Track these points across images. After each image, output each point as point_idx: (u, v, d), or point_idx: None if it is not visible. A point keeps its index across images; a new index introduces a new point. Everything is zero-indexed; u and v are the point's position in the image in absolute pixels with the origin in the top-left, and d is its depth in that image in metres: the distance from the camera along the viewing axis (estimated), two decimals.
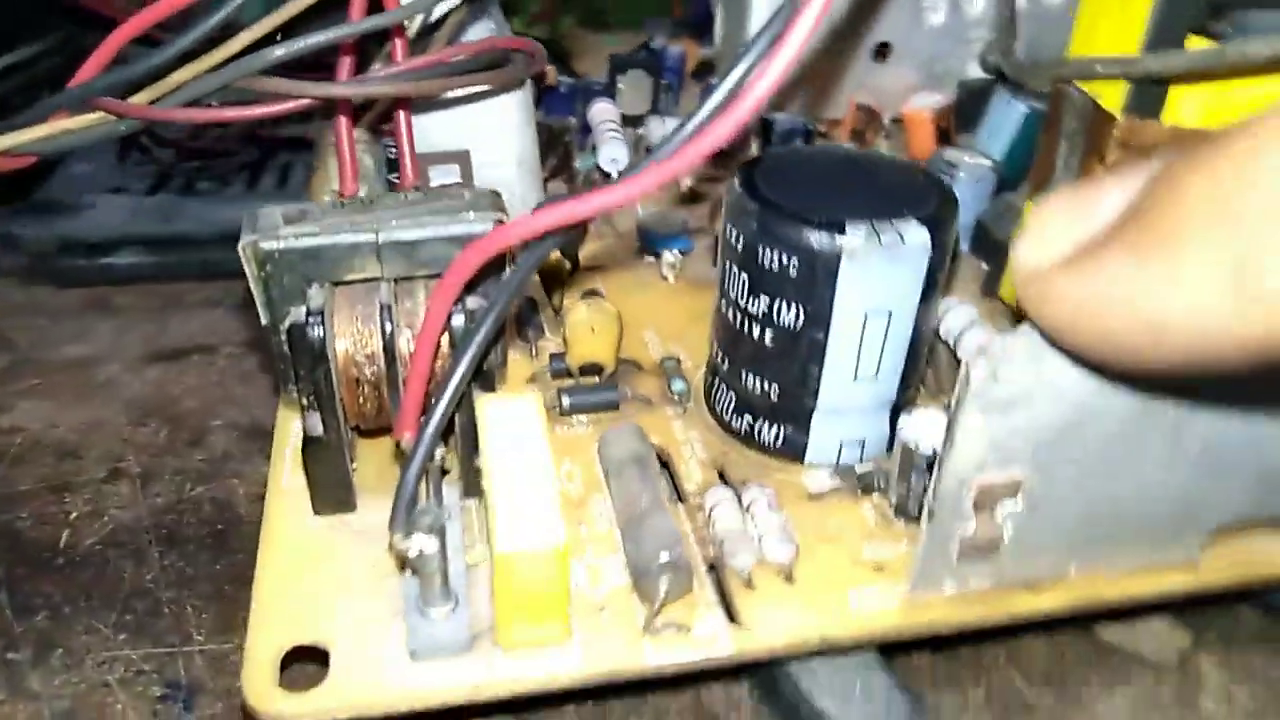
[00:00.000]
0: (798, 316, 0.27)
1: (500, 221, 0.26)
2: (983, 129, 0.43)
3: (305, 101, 0.30)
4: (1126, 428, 0.24)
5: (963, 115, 0.46)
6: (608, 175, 0.40)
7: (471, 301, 0.25)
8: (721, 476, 0.29)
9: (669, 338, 0.35)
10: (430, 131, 0.37)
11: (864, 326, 0.27)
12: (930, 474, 0.26)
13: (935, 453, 0.26)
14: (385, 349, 0.25)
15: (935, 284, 0.27)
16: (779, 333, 0.27)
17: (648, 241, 0.39)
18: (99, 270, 0.49)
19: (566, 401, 0.31)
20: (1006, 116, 0.42)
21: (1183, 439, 0.24)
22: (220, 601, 0.30)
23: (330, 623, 0.25)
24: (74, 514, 0.34)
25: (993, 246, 0.38)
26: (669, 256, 0.38)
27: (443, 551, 0.23)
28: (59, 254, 0.48)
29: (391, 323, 0.25)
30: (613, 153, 0.39)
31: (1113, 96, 0.30)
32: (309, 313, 0.25)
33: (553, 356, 0.33)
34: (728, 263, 0.28)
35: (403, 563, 0.24)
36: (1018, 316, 0.36)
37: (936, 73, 0.46)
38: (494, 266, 0.25)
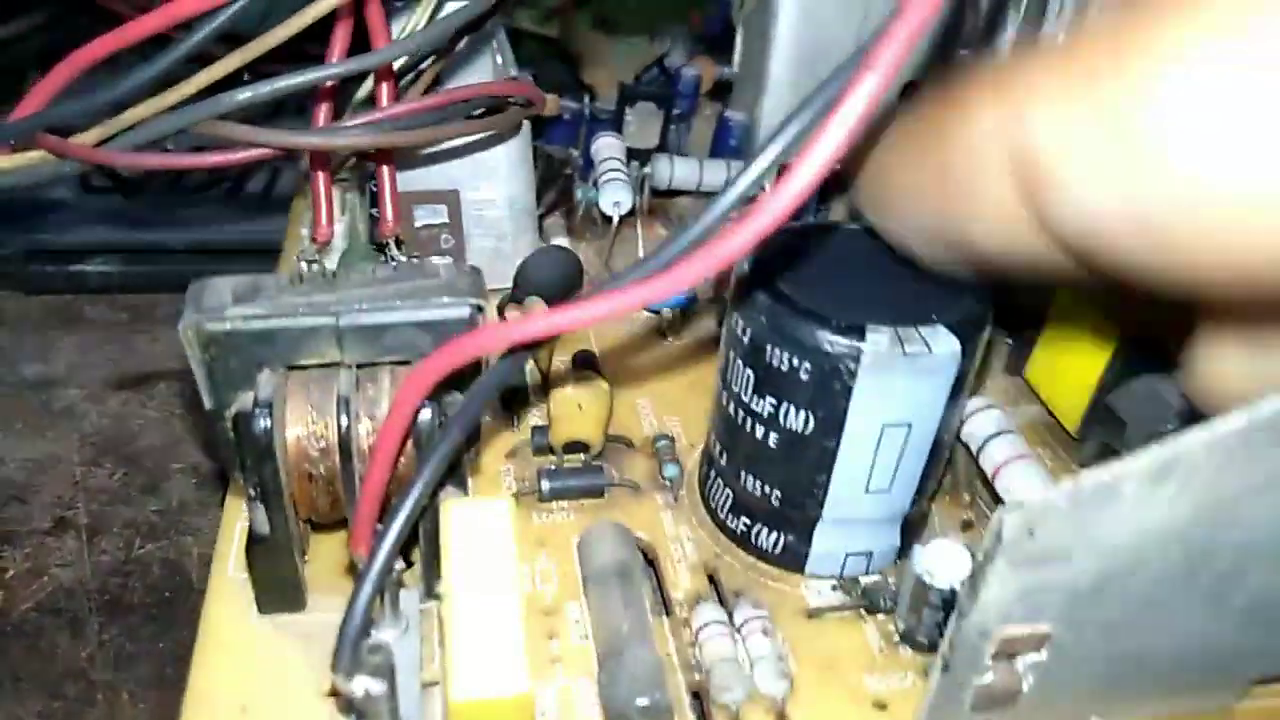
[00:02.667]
0: (806, 423, 0.24)
1: (479, 308, 0.23)
2: None
3: (269, 151, 0.27)
4: (1170, 582, 0.21)
5: None
6: (609, 219, 0.37)
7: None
8: (712, 582, 0.27)
9: (665, 408, 0.32)
10: (416, 168, 0.34)
11: (880, 438, 0.24)
12: (944, 610, 0.24)
13: (952, 590, 0.23)
14: (341, 445, 0.23)
15: (961, 390, 0.24)
16: (784, 437, 0.25)
17: None
18: (68, 278, 0.46)
19: (546, 487, 0.28)
20: None
21: (1229, 593, 0.22)
22: (160, 688, 0.28)
23: None
24: (11, 572, 0.31)
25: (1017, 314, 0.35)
26: (667, 314, 0.35)
27: (392, 692, 0.20)
28: (27, 259, 0.45)
29: (349, 416, 0.22)
30: (615, 195, 0.36)
31: None
32: (256, 403, 0.22)
33: (535, 430, 0.30)
34: (731, 354, 0.25)
35: (348, 705, 0.21)
36: (1040, 399, 0.33)
37: None
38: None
